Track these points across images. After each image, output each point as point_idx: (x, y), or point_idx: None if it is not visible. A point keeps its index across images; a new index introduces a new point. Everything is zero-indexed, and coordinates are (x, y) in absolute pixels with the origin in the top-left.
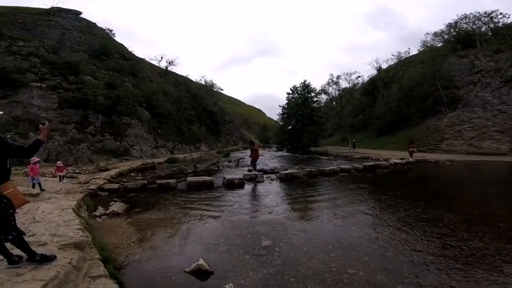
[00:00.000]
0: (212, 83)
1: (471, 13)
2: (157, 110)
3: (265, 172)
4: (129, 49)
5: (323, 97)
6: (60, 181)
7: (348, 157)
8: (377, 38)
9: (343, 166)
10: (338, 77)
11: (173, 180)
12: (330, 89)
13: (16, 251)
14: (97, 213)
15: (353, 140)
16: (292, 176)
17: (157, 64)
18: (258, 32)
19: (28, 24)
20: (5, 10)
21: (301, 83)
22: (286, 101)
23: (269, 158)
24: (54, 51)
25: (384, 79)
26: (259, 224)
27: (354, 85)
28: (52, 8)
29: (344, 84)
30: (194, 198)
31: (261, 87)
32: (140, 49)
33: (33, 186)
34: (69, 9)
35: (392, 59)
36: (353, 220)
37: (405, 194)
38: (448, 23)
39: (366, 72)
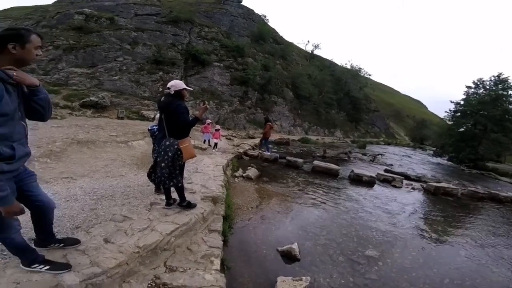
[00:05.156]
0: (359, 68)
1: None
2: (300, 91)
3: (406, 177)
4: (280, 34)
5: None
6: (213, 148)
7: None
8: None
9: None
10: None
11: (300, 160)
12: None
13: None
14: (236, 174)
15: None
16: (444, 192)
17: (303, 48)
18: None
19: (208, 13)
20: (192, 1)
21: (493, 76)
22: (464, 96)
23: (419, 162)
24: (227, 36)
25: None
26: (374, 231)
27: None
28: None
29: None
30: (315, 183)
31: (428, 77)
32: (287, 33)
33: (204, 142)
34: None
35: None
36: (501, 262)
37: None
38: None
39: None
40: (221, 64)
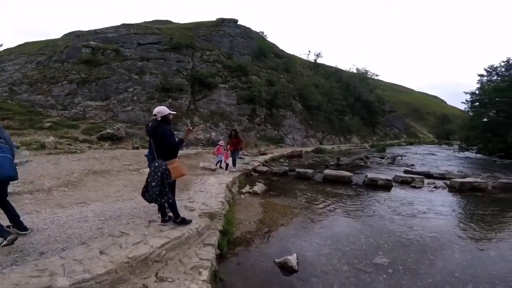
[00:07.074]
0: (365, 70)
1: None
2: (308, 102)
3: (428, 176)
4: (280, 48)
5: None
6: (225, 169)
7: None
8: None
9: None
10: None
11: (310, 171)
12: None
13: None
14: (243, 191)
15: None
16: (472, 187)
17: (306, 58)
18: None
19: (207, 36)
20: (190, 26)
21: (504, 61)
22: (478, 85)
23: (444, 159)
24: (229, 57)
25: None
26: (386, 236)
27: None
28: (218, 20)
29: None
30: (326, 192)
31: (440, 71)
32: (287, 46)
33: (218, 163)
34: (229, 18)
35: None
36: None
37: None
38: None
39: None
40: (226, 85)
